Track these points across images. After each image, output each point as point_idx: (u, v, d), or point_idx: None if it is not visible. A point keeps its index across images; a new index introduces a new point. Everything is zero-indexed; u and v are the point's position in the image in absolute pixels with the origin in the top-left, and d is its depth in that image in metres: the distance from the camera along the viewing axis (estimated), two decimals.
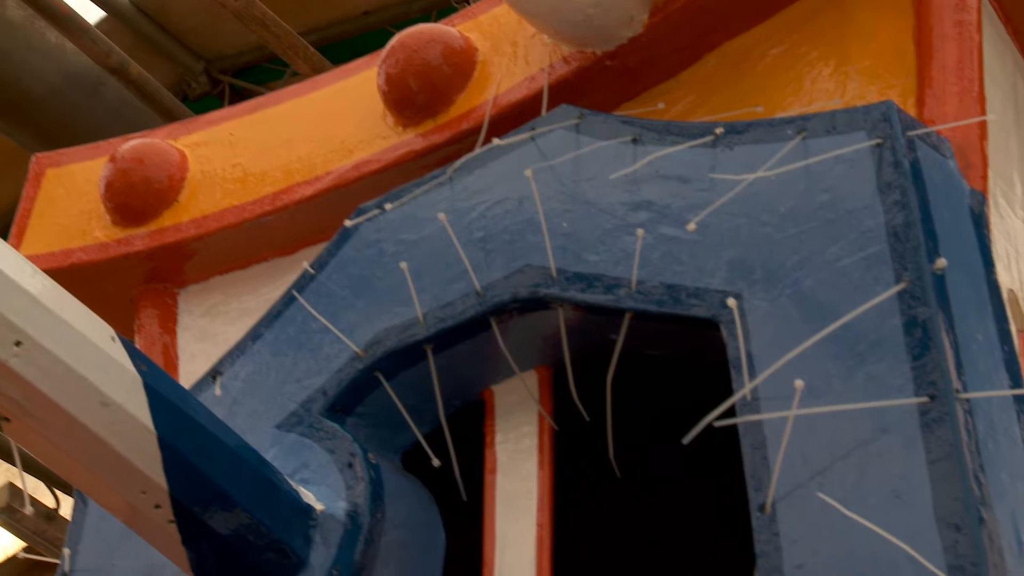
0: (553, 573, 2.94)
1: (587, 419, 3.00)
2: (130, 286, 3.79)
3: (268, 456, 3.04)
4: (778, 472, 2.43)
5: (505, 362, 3.08)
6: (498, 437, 3.14)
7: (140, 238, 3.73)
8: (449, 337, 3.07)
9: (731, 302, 2.59)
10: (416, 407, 3.16)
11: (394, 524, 3.02)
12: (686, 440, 2.38)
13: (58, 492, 9.30)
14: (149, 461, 2.67)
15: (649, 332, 2.88)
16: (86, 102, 7.95)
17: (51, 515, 9.10)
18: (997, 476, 2.33)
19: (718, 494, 2.79)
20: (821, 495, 2.34)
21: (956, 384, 2.35)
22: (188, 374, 3.45)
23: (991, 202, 2.77)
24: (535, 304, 2.97)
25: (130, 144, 3.84)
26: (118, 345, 2.64)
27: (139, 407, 2.64)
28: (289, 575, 2.94)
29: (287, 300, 3.28)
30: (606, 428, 2.93)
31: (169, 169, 3.80)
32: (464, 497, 3.08)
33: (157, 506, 2.73)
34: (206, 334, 3.63)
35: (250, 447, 2.94)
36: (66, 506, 9.06)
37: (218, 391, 3.23)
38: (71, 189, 3.92)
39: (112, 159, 3.83)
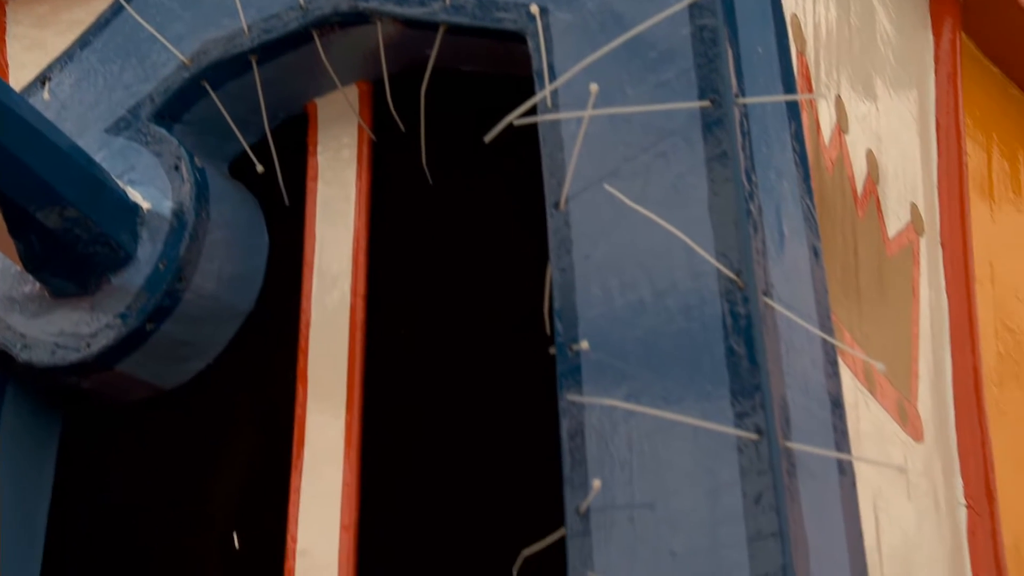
0: (368, 269, 2.98)
1: (403, 130, 3.00)
2: None
3: (96, 158, 2.98)
4: (572, 171, 2.47)
5: (327, 76, 3.03)
6: (320, 147, 3.12)
7: None
8: (273, 49, 3.01)
9: (534, 8, 2.58)
10: (242, 118, 3.11)
11: (219, 224, 3.02)
12: (488, 138, 2.40)
13: None
14: None
15: (462, 47, 2.87)
16: None
17: None
18: (766, 174, 2.41)
19: (522, 199, 2.83)
20: (609, 188, 2.39)
21: (735, 89, 2.39)
22: (18, 82, 3.31)
23: None
24: (355, 18, 2.92)
25: None
26: None
27: None
28: (117, 268, 2.94)
29: (115, 9, 3.16)
30: (421, 138, 2.94)
31: None
32: (287, 202, 3.07)
33: None
34: (35, 44, 3.47)
35: (77, 147, 2.87)
36: None
37: (46, 95, 3.13)
38: None
39: None
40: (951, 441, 2.99)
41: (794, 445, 2.20)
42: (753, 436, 2.18)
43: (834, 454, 2.29)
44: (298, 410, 2.93)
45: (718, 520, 2.17)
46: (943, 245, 3.19)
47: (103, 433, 3.16)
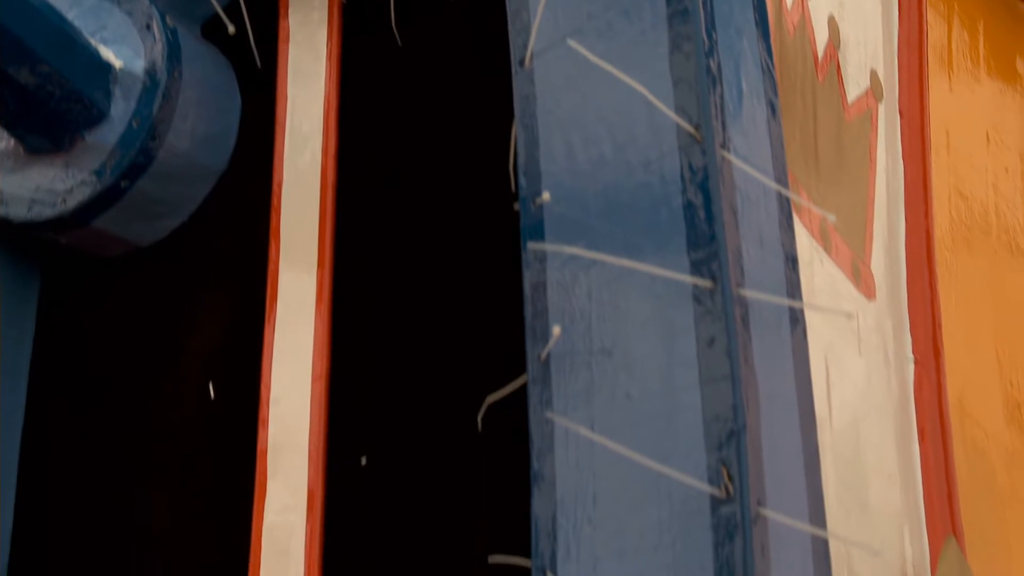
0: (339, 129, 2.98)
1: None
2: None
3: (68, 17, 2.95)
4: (536, 29, 2.46)
5: None
6: (291, 9, 3.09)
7: None
8: None
9: None
10: None
11: (191, 84, 3.00)
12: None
13: None
14: None
15: None
16: None
17: None
18: (726, 31, 2.40)
19: (489, 58, 2.82)
20: (573, 44, 2.38)
21: None
22: None
23: None
24: None
25: None
26: None
27: None
28: (91, 125, 2.93)
29: None
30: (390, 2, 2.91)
31: None
32: (258, 64, 3.05)
33: None
34: None
35: (48, 4, 2.84)
36: None
37: None
38: None
39: None
40: (902, 300, 3.03)
41: (747, 292, 2.23)
42: (707, 284, 2.21)
43: (786, 301, 2.32)
44: (271, 266, 2.95)
45: (673, 364, 2.20)
46: (901, 112, 3.20)
47: (82, 288, 3.18)
